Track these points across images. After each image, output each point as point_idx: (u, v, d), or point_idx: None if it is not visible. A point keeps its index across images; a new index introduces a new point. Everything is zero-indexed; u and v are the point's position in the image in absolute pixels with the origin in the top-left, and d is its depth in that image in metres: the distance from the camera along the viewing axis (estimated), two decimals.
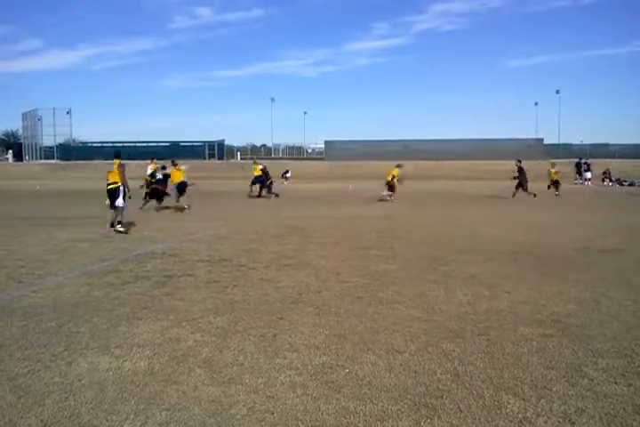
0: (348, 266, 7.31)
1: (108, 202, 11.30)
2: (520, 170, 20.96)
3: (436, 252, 8.46)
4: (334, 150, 61.65)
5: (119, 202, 11.05)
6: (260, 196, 22.10)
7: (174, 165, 17.58)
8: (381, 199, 19.92)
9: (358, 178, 41.49)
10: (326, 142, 66.11)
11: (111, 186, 11.23)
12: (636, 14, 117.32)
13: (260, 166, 22.84)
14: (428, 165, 48.69)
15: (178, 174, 16.99)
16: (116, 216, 11.01)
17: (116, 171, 11.22)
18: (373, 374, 3.56)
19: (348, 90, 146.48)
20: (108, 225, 11.09)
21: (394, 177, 20.36)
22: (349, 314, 4.97)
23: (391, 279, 6.46)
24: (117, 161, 11.42)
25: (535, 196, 20.12)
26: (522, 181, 20.80)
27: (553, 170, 23.60)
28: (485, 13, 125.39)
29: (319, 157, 66.21)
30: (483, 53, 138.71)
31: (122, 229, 10.78)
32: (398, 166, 20.90)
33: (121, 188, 11.20)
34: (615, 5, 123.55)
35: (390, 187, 20.29)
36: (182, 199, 16.55)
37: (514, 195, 20.66)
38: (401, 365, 3.73)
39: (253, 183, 22.64)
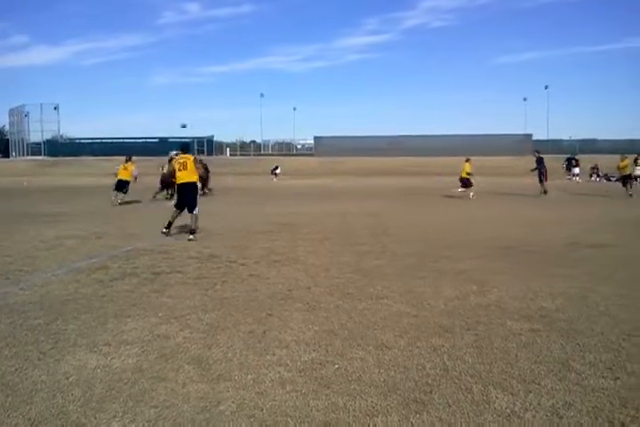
0: (337, 262, 7.31)
1: (173, 202, 10.34)
2: (539, 161, 20.52)
3: (426, 248, 8.48)
4: (324, 146, 61.70)
5: (197, 210, 9.80)
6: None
7: (127, 160, 18.76)
8: (455, 196, 19.48)
9: (348, 174, 41.51)
10: (315, 138, 66.09)
11: (186, 185, 9.84)
12: (626, 11, 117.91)
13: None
14: (417, 160, 48.88)
15: (124, 172, 18.21)
16: (194, 222, 9.70)
17: (192, 167, 9.83)
18: (363, 370, 3.57)
19: (337, 86, 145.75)
20: (164, 228, 9.82)
21: (468, 173, 19.74)
22: (339, 310, 4.98)
23: (381, 275, 6.47)
24: (191, 156, 10.14)
25: (545, 193, 19.89)
26: (541, 172, 20.25)
27: (622, 163, 21.04)
28: (474, 9, 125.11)
29: (309, 152, 66.08)
30: (472, 50, 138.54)
31: (194, 238, 9.43)
32: (468, 160, 20.19)
33: (199, 189, 10.22)
34: (604, 2, 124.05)
35: (465, 183, 19.74)
36: (120, 195, 17.63)
37: (544, 191, 19.94)
38: (390, 360, 3.74)
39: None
